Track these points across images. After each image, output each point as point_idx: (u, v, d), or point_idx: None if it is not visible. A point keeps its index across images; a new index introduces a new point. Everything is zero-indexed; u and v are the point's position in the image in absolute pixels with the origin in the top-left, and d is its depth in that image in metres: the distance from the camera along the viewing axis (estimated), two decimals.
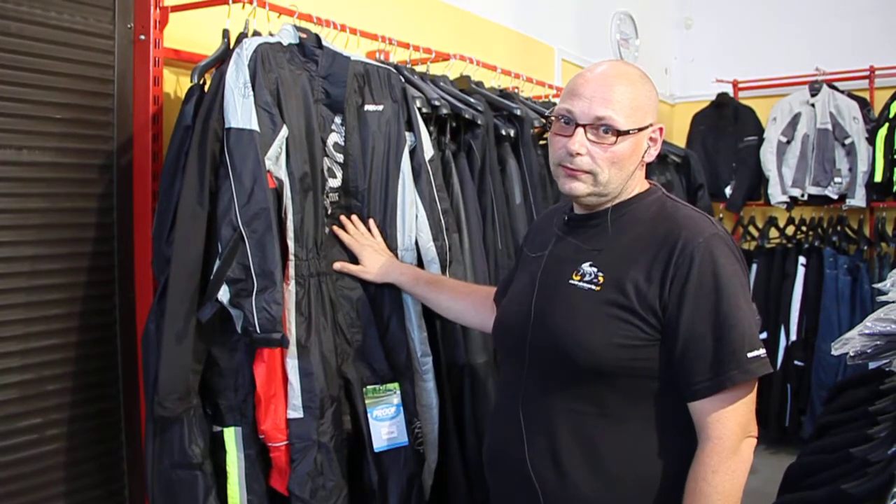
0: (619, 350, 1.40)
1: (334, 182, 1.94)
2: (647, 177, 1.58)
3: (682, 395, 1.40)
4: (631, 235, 1.48)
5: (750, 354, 1.36)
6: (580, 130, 1.44)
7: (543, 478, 1.46)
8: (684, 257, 1.39)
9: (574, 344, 1.43)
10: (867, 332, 1.66)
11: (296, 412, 1.74)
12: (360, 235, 1.93)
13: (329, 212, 1.93)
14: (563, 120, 1.48)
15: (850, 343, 1.67)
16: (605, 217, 1.51)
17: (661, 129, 1.53)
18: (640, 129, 1.46)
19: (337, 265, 1.90)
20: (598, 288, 1.44)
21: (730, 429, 1.36)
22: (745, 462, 1.37)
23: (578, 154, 1.44)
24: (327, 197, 1.92)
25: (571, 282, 1.48)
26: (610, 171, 1.46)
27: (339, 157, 1.93)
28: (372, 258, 1.91)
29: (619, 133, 1.43)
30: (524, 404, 1.51)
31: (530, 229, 1.85)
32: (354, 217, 1.95)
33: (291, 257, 1.77)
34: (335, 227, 1.93)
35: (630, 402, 1.43)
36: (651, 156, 1.53)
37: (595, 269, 1.46)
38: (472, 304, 1.89)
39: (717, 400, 1.36)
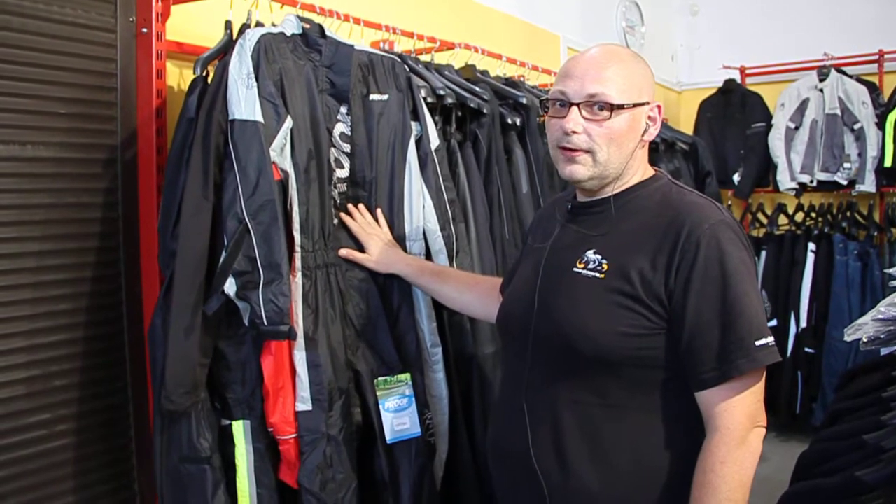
0: (623, 339, 1.38)
1: (342, 172, 1.93)
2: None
3: (687, 384, 1.39)
4: (635, 222, 1.46)
5: (757, 343, 1.34)
6: (574, 109, 1.44)
7: (547, 469, 1.45)
8: (690, 244, 1.37)
9: (578, 333, 1.41)
10: (881, 317, 1.65)
11: (304, 404, 1.74)
12: (367, 224, 1.93)
13: (338, 202, 1.92)
14: (557, 103, 1.48)
15: (863, 329, 1.67)
16: (608, 204, 1.50)
17: (659, 108, 1.52)
18: (634, 105, 1.45)
19: (342, 252, 1.89)
20: (602, 276, 1.42)
21: (737, 419, 1.34)
22: (754, 452, 1.35)
23: (574, 132, 1.44)
24: (335, 188, 1.91)
25: (575, 270, 1.46)
26: (609, 149, 1.45)
27: (347, 147, 1.92)
28: (377, 247, 1.91)
29: (613, 107, 1.43)
30: (528, 395, 1.50)
31: (534, 219, 1.84)
32: (361, 206, 1.94)
33: (298, 249, 1.76)
34: (342, 214, 1.92)
35: (635, 392, 1.41)
36: (651, 135, 1.52)
37: (599, 257, 1.45)
38: (477, 295, 1.88)
39: (724, 389, 1.34)
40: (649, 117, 1.50)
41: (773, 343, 1.36)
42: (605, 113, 1.43)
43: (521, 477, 1.49)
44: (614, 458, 1.41)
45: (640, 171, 1.53)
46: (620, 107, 1.43)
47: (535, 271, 1.55)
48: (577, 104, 1.44)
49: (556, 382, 1.46)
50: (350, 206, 1.94)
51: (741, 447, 1.33)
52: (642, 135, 1.49)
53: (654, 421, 1.41)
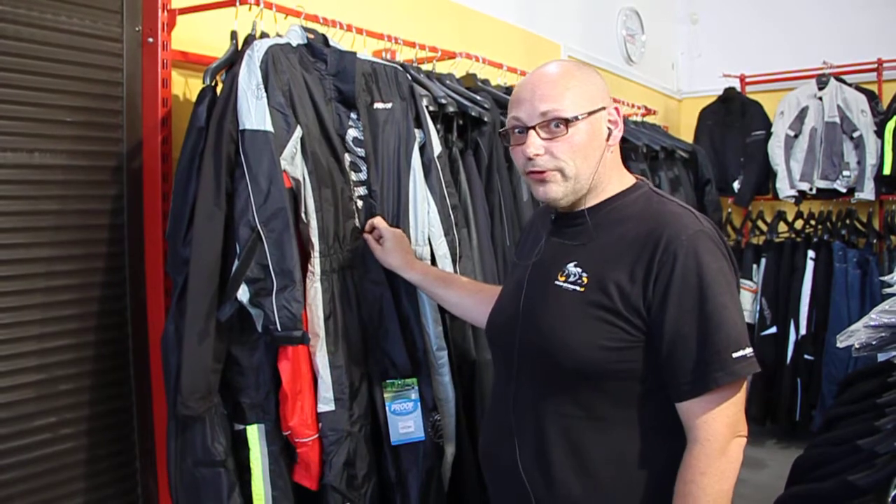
0: (604, 352, 1.38)
1: (360, 175, 1.96)
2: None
3: (669, 396, 1.39)
4: (615, 234, 1.46)
5: (735, 355, 1.33)
6: (532, 133, 1.45)
7: (534, 482, 1.45)
8: (668, 255, 1.36)
9: (560, 346, 1.42)
10: (872, 323, 1.66)
11: (327, 405, 1.78)
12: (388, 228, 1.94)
13: (359, 206, 1.95)
14: (516, 130, 1.49)
15: (855, 335, 1.68)
16: (589, 215, 1.50)
17: (617, 109, 1.51)
18: (590, 113, 1.45)
19: (366, 236, 1.91)
20: (582, 289, 1.42)
21: (717, 430, 1.33)
22: (734, 462, 1.35)
23: (537, 155, 1.44)
24: (354, 190, 1.94)
25: (557, 283, 1.47)
26: (575, 162, 1.44)
27: (361, 152, 1.96)
28: (396, 241, 1.91)
29: (569, 122, 1.42)
30: (515, 407, 1.50)
31: (523, 230, 1.83)
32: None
33: (315, 254, 1.79)
34: (365, 235, 1.93)
35: (617, 405, 1.41)
36: (615, 138, 1.50)
37: (579, 270, 1.45)
38: (479, 302, 1.87)
39: (704, 401, 1.34)
40: (609, 121, 1.49)
41: (752, 354, 1.35)
42: (562, 129, 1.43)
43: (510, 487, 1.50)
44: (599, 470, 1.41)
45: (616, 178, 1.52)
46: (575, 118, 1.43)
47: (520, 283, 1.55)
48: (533, 127, 1.44)
49: (542, 395, 1.47)
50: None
51: (721, 458, 1.33)
52: (607, 140, 1.49)
53: (637, 433, 1.41)
